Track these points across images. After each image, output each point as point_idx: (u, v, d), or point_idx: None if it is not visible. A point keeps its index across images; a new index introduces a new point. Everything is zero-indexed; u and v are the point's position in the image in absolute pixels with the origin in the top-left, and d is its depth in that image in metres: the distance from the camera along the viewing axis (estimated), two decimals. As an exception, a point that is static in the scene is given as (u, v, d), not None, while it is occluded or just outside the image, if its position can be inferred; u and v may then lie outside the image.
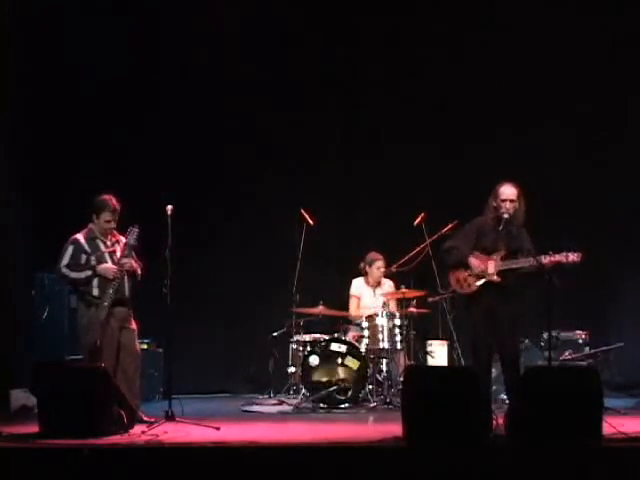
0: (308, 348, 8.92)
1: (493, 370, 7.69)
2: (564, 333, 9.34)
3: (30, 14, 9.45)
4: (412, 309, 9.09)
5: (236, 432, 6.82)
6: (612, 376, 9.30)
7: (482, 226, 7.41)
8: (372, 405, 8.50)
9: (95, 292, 7.25)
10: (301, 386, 8.75)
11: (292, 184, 10.09)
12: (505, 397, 7.76)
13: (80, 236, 7.35)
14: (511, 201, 7.27)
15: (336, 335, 8.95)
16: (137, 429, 6.67)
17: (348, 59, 10.28)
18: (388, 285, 9.48)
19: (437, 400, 5.94)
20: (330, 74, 10.28)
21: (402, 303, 9.05)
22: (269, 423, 7.72)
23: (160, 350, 9.51)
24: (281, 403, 8.91)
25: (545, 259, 7.03)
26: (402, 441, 6.00)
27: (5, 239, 9.11)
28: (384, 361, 8.85)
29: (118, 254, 7.32)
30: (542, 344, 8.93)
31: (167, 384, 7.93)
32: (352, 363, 8.59)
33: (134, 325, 7.43)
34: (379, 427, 7.10)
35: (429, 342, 9.23)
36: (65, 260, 7.27)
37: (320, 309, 9.23)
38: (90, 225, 7.39)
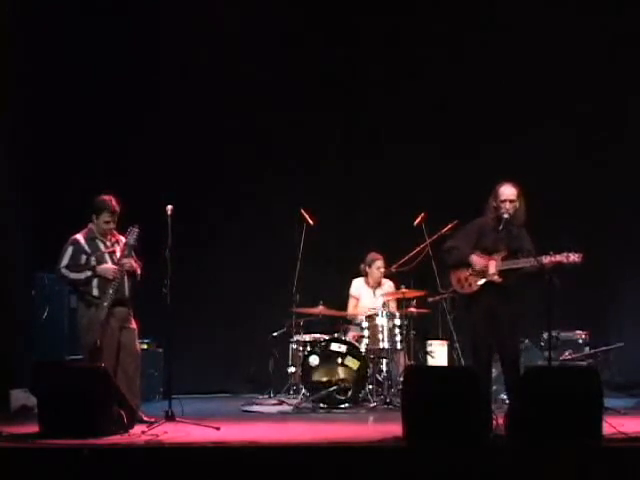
0: (308, 348, 8.92)
1: (493, 370, 7.69)
2: (564, 333, 9.34)
3: (30, 14, 9.45)
4: (412, 309, 9.09)
5: (236, 432, 6.81)
6: (612, 376, 9.30)
7: (483, 226, 7.41)
8: (372, 405, 8.50)
9: (95, 292, 7.25)
10: (301, 386, 8.75)
11: (292, 184, 10.09)
12: (505, 397, 7.77)
13: (80, 236, 7.35)
14: (511, 201, 7.26)
15: (336, 335, 8.95)
16: (137, 429, 6.67)
17: (348, 59, 10.28)
18: (388, 285, 9.49)
19: (437, 400, 5.94)
20: (330, 74, 10.28)
21: (402, 303, 9.05)
22: (269, 423, 7.72)
23: (160, 350, 9.51)
24: (281, 403, 8.91)
25: (546, 259, 7.03)
26: (402, 441, 5.99)
27: (5, 239, 9.11)
28: (384, 361, 8.85)
29: (118, 254, 7.32)
30: (542, 344, 8.93)
31: (167, 384, 7.93)
32: (352, 363, 8.60)
33: (134, 325, 7.43)
34: (379, 427, 7.10)
35: (429, 342, 9.23)
36: (65, 261, 7.27)
37: (320, 309, 9.23)
38: (90, 225, 7.39)
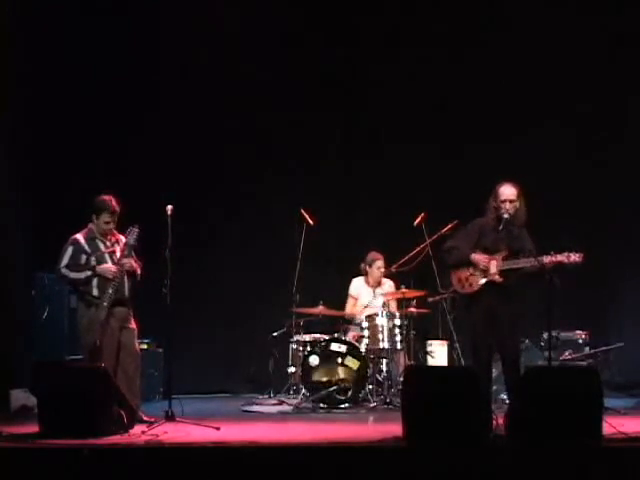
0: (308, 348, 8.92)
1: (493, 370, 7.69)
2: (564, 333, 9.34)
3: (30, 14, 9.45)
4: (412, 309, 9.09)
5: (236, 432, 6.81)
6: (612, 376, 9.30)
7: (483, 226, 7.40)
8: (372, 405, 8.50)
9: (95, 292, 7.24)
10: (301, 386, 8.75)
11: (292, 184, 10.09)
12: (505, 397, 7.77)
13: (80, 236, 7.35)
14: (511, 201, 7.26)
15: (336, 335, 8.95)
16: (137, 429, 6.67)
17: (348, 59, 10.28)
18: (388, 285, 9.49)
19: (437, 400, 5.94)
20: (330, 74, 10.28)
21: (402, 303, 9.05)
22: (269, 423, 7.72)
23: (160, 350, 9.51)
24: (281, 403, 8.91)
25: (546, 259, 7.03)
26: (402, 441, 5.99)
27: (5, 239, 9.11)
28: (384, 361, 8.85)
29: (118, 254, 7.32)
30: (542, 344, 8.93)
31: (167, 384, 7.92)
32: (352, 363, 8.59)
33: (134, 325, 7.44)
34: (379, 427, 7.10)
35: (429, 342, 9.24)
36: (65, 261, 7.27)
37: (320, 309, 9.23)
38: (90, 225, 7.39)
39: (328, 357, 8.64)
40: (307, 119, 10.18)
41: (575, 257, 7.03)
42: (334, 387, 8.51)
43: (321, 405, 8.49)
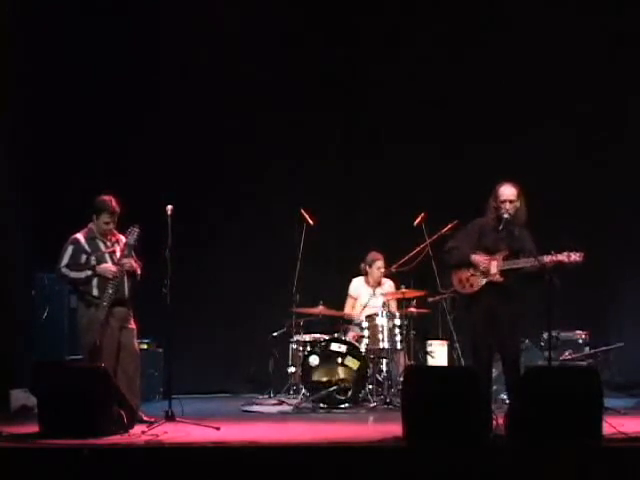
0: (308, 348, 8.92)
1: (494, 370, 7.68)
2: (564, 333, 9.34)
3: (30, 14, 9.45)
4: (412, 309, 9.09)
5: (236, 432, 6.81)
6: (612, 376, 9.30)
7: (483, 226, 7.40)
8: (372, 405, 8.50)
9: (95, 292, 7.24)
10: (301, 386, 8.75)
11: (292, 184, 10.09)
12: (505, 397, 7.76)
13: (80, 236, 7.35)
14: (510, 201, 7.26)
15: (336, 335, 8.95)
16: (137, 429, 6.67)
17: (348, 59, 10.28)
18: (388, 285, 9.49)
19: (437, 400, 5.94)
20: (330, 74, 10.27)
21: (402, 303, 9.05)
22: (269, 423, 7.72)
23: (160, 350, 9.51)
24: (281, 403, 8.91)
25: (547, 258, 7.02)
26: (402, 441, 6.00)
27: (5, 239, 9.11)
28: (384, 361, 8.85)
29: (118, 254, 7.32)
30: (542, 344, 8.93)
31: (167, 384, 7.93)
32: (352, 363, 8.59)
33: (133, 325, 7.44)
34: (379, 427, 7.10)
35: (429, 342, 9.24)
36: (65, 260, 7.27)
37: (320, 309, 9.23)
38: (90, 225, 7.39)
39: (328, 357, 8.64)
40: (307, 119, 10.18)
41: (575, 257, 7.03)
42: (334, 387, 8.51)
43: (321, 405, 8.49)
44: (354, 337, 9.02)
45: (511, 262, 7.23)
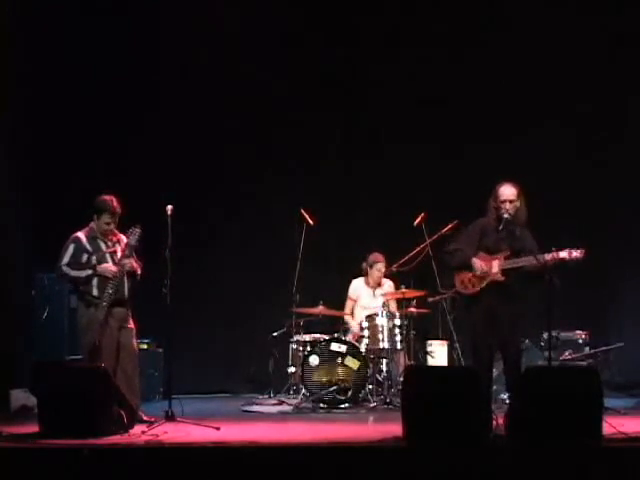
0: (308, 348, 8.92)
1: (494, 370, 7.68)
2: (564, 333, 9.34)
3: (30, 14, 9.45)
4: (412, 309, 9.09)
5: (236, 432, 6.81)
6: (612, 376, 9.30)
7: (484, 227, 7.40)
8: (372, 405, 8.50)
9: (94, 292, 7.24)
10: (301, 386, 8.75)
11: (292, 184, 10.09)
12: (505, 397, 7.76)
13: (81, 234, 7.35)
14: (510, 201, 7.26)
15: (336, 335, 8.95)
16: (137, 429, 6.67)
17: (348, 59, 10.27)
18: (388, 285, 9.49)
19: (437, 400, 5.94)
20: (330, 74, 10.27)
21: (402, 303, 9.05)
22: (269, 423, 7.72)
23: (160, 350, 9.51)
24: (281, 403, 8.91)
25: (548, 256, 7.03)
26: (402, 441, 5.99)
27: (5, 239, 9.11)
28: (384, 361, 8.85)
29: (119, 254, 7.32)
30: (542, 344, 8.93)
31: (167, 384, 7.93)
32: (352, 363, 8.60)
33: (132, 324, 7.44)
34: (379, 427, 7.10)
35: (429, 342, 9.24)
36: (66, 259, 7.27)
37: (320, 309, 9.23)
38: (91, 224, 7.39)
39: (328, 357, 8.64)
40: (307, 119, 10.17)
41: (577, 253, 7.04)
42: (334, 387, 8.51)
43: (321, 405, 8.49)
44: (354, 337, 9.02)
45: (513, 261, 7.23)
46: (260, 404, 8.99)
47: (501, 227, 7.26)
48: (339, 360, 8.61)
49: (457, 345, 9.08)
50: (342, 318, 9.49)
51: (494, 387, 7.90)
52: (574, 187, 9.82)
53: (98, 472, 5.63)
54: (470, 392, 6.01)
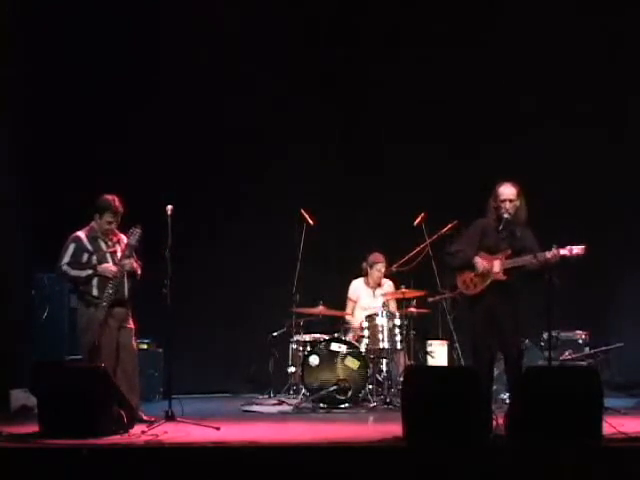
0: (308, 348, 8.92)
1: (494, 370, 7.68)
2: (564, 333, 9.34)
3: (30, 14, 9.45)
4: (412, 309, 9.09)
5: (236, 432, 6.81)
6: (612, 376, 9.30)
7: (485, 227, 7.39)
8: (372, 405, 8.50)
9: (94, 292, 7.25)
10: (301, 386, 8.75)
11: (292, 184, 10.09)
12: (505, 397, 7.76)
13: (82, 234, 7.35)
14: (510, 201, 7.25)
15: (336, 335, 8.95)
16: (137, 429, 6.66)
17: (348, 59, 10.28)
18: (388, 285, 9.49)
19: (437, 400, 5.94)
20: (330, 74, 10.28)
21: (402, 303, 9.05)
22: (269, 423, 7.72)
23: (160, 350, 9.51)
24: (281, 403, 8.91)
25: (549, 254, 7.02)
26: (402, 441, 5.99)
27: (5, 239, 9.10)
28: (384, 361, 8.85)
29: (119, 254, 7.32)
30: (542, 344, 8.92)
31: (167, 384, 7.93)
32: (352, 363, 8.60)
33: (132, 324, 7.44)
34: (379, 427, 7.10)
35: (429, 342, 9.23)
36: (66, 258, 7.28)
37: (320, 309, 9.23)
38: (92, 223, 7.39)
39: (328, 357, 8.64)
40: (307, 119, 10.17)
41: (578, 249, 7.04)
42: (334, 387, 8.51)
43: (321, 405, 8.49)
44: (354, 337, 9.02)
45: (514, 260, 7.22)
46: (260, 404, 8.99)
47: (501, 227, 7.25)
48: (339, 360, 8.62)
49: (457, 345, 9.08)
50: (343, 318, 9.49)
51: (494, 387, 7.89)
52: (574, 187, 9.82)
53: (98, 472, 5.62)
54: (470, 392, 6.01)
